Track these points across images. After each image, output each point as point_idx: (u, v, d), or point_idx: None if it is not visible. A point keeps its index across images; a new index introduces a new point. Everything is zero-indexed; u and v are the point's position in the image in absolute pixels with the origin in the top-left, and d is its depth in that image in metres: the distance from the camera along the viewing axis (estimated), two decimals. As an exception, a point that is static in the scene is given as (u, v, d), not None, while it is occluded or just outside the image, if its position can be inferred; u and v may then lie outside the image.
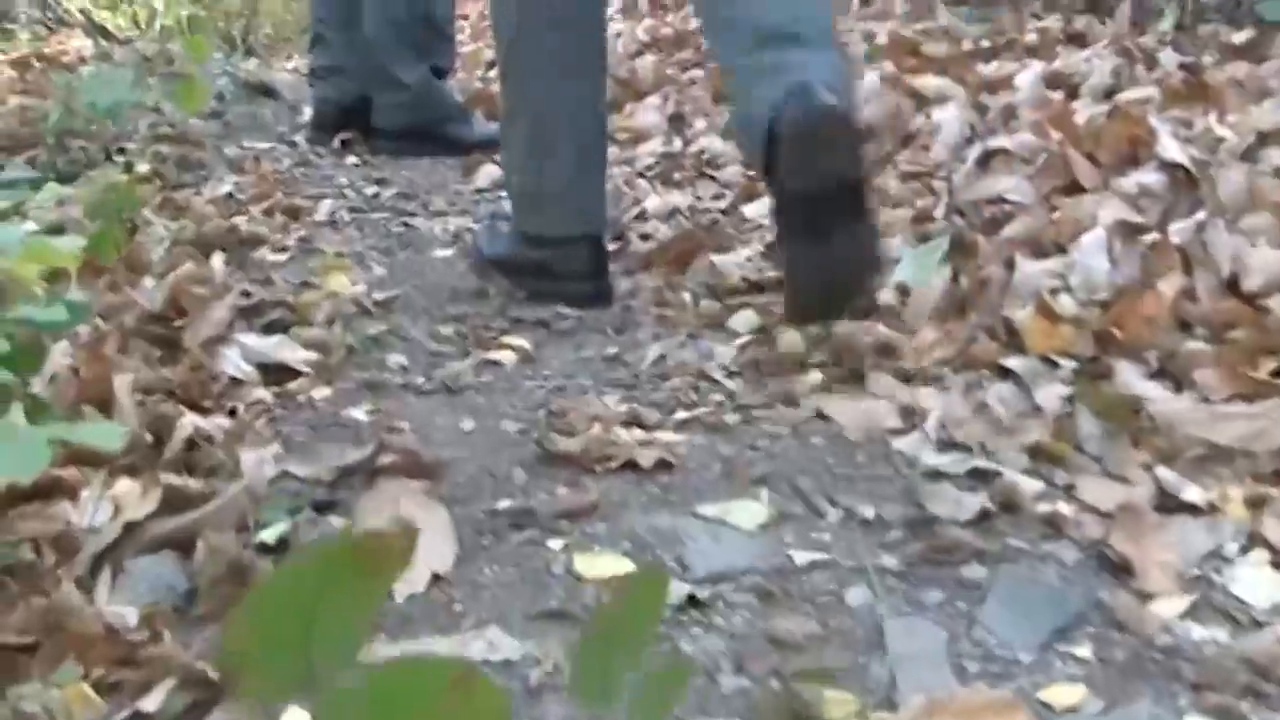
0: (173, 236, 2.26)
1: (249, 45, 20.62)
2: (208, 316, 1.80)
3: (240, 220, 2.55)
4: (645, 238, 2.53)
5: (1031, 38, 3.44)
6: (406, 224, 2.63)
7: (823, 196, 1.74)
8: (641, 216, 2.72)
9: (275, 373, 1.75)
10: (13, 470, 0.98)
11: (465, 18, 7.21)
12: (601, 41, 2.14)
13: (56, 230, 2.43)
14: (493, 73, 5.27)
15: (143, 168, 2.81)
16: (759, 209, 2.61)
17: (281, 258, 2.33)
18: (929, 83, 3.11)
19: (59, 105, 3.08)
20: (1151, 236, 1.99)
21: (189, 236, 2.31)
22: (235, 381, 1.70)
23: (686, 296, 2.14)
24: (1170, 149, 2.23)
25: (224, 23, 20.91)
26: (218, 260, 2.25)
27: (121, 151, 3.12)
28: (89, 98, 2.84)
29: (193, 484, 1.38)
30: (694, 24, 3.93)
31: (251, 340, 1.81)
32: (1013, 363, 1.73)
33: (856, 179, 1.77)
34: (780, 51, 1.78)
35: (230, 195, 2.78)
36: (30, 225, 2.55)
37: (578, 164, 2.08)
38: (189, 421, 1.52)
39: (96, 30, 4.87)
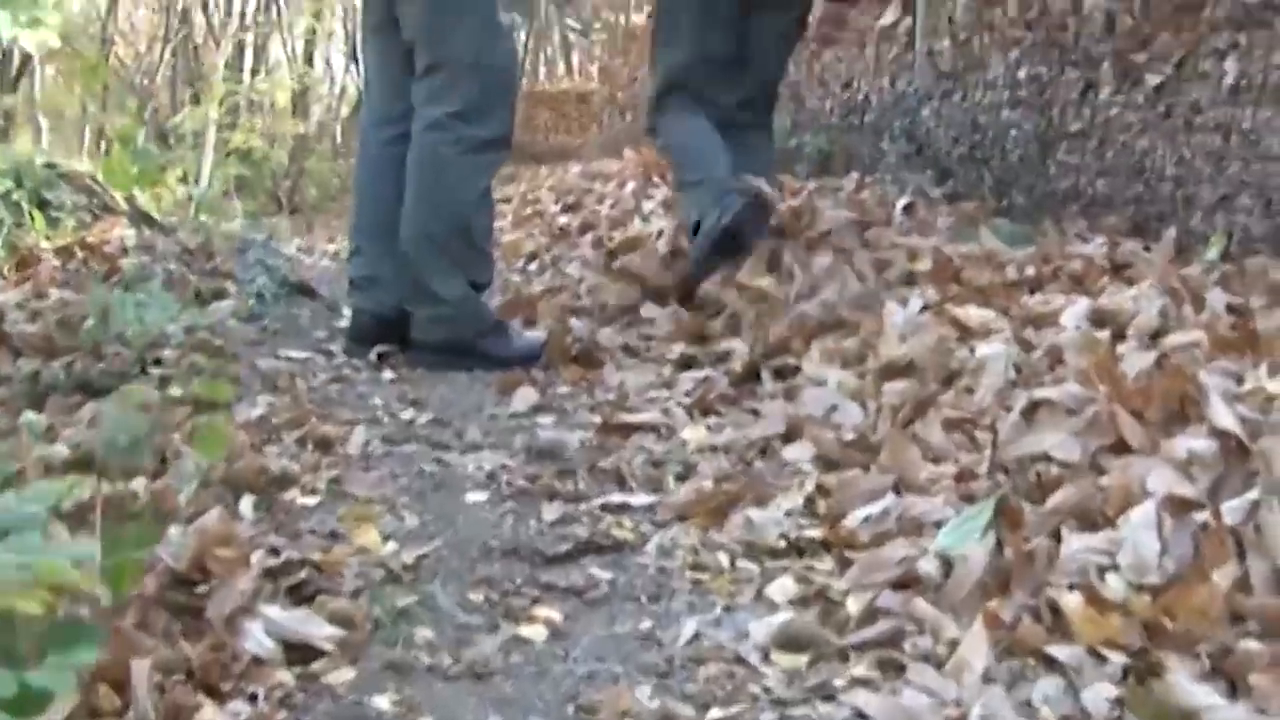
0: (202, 477, 2.22)
1: (294, 205, 20.79)
2: (233, 586, 1.76)
3: (272, 451, 2.53)
4: (682, 478, 2.50)
5: (1076, 265, 3.41)
6: (439, 459, 2.59)
7: None
8: (682, 447, 2.70)
9: (299, 650, 1.70)
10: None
11: (507, 201, 7.28)
12: None
13: (84, 464, 2.42)
14: (533, 266, 5.31)
15: (175, 390, 2.78)
16: (799, 451, 2.57)
17: (312, 501, 2.30)
18: (972, 314, 3.08)
19: (95, 317, 3.09)
20: (1203, 515, 1.93)
21: (219, 475, 2.27)
22: (257, 661, 1.65)
23: (723, 558, 2.09)
24: (1220, 414, 2.18)
25: (270, 183, 21.13)
26: (247, 504, 2.22)
27: (158, 362, 3.11)
28: (122, 319, 2.85)
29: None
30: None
31: (276, 613, 1.75)
32: (1059, 652, 1.67)
33: None
34: None
35: (264, 418, 2.75)
36: (61, 448, 2.55)
37: None
38: (209, 715, 1.47)
39: (140, 218, 4.92)
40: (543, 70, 21.96)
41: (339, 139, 20.27)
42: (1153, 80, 3.87)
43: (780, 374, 3.11)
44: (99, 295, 3.19)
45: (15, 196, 4.68)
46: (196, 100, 18.75)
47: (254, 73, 21.55)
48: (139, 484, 2.34)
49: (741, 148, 4.03)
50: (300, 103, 22.21)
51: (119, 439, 2.17)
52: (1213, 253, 3.50)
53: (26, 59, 9.73)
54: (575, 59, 21.71)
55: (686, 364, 3.35)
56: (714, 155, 3.99)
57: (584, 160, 9.87)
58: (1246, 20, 3.50)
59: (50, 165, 5.38)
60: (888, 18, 5.66)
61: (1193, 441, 2.16)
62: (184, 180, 17.18)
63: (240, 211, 14.86)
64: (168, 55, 19.27)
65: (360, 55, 3.81)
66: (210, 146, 17.26)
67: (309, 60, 23.44)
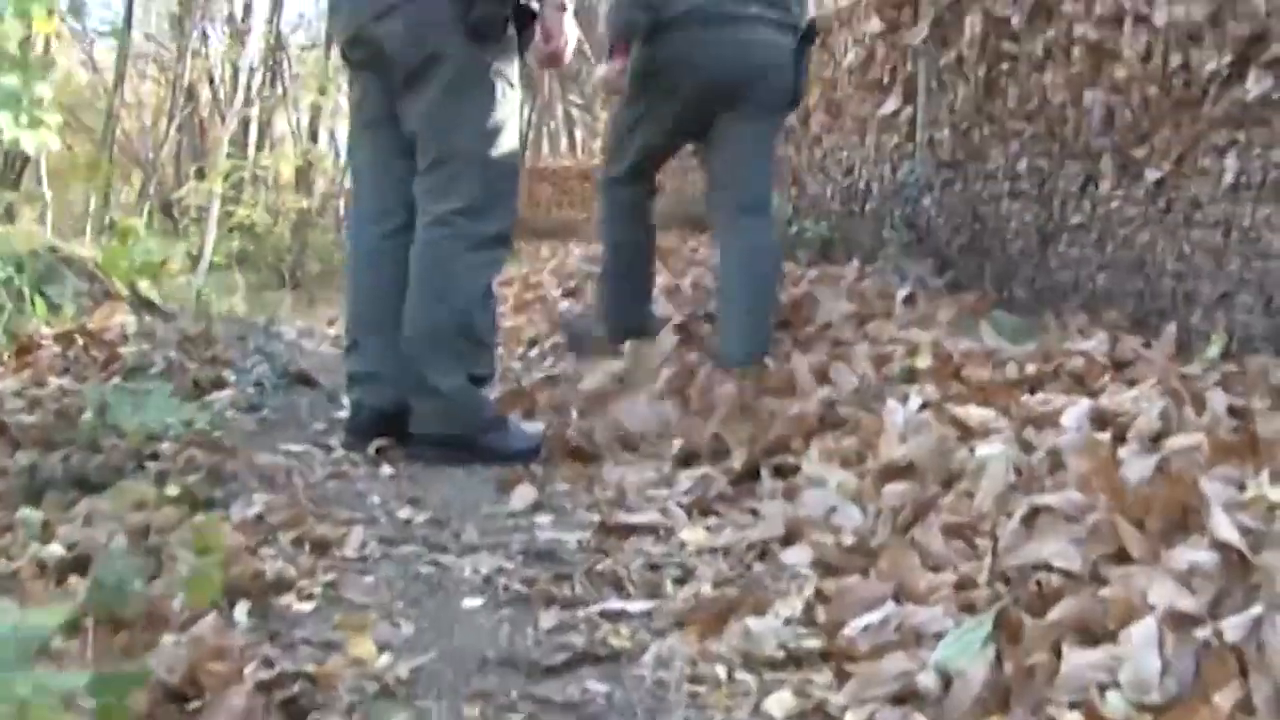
0: (195, 584, 2.21)
1: (297, 279, 20.84)
2: (227, 703, 1.74)
3: (268, 553, 2.51)
4: (680, 582, 2.48)
5: (1077, 363, 3.41)
6: (436, 561, 2.58)
7: None
8: (681, 549, 2.69)
9: (290, 775, 1.68)
10: None
11: (509, 284, 7.30)
12: None
13: (80, 565, 2.41)
14: (534, 352, 5.30)
15: (172, 489, 2.77)
16: (799, 555, 2.56)
17: (307, 607, 2.28)
18: (972, 413, 3.08)
19: (93, 412, 3.08)
20: (1205, 632, 1.92)
21: (213, 580, 2.26)
22: (247, 787, 1.63)
23: (720, 670, 2.07)
24: (1221, 525, 2.17)
25: (273, 257, 21.20)
26: (241, 611, 2.20)
27: (155, 457, 3.10)
28: (118, 416, 2.84)
29: None
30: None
31: (268, 735, 1.74)
32: (1060, 777, 1.65)
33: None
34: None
35: (260, 517, 2.74)
36: (55, 548, 2.54)
37: None
38: None
39: (141, 304, 4.92)
40: (545, 146, 22.11)
41: (342, 213, 20.34)
42: (1153, 175, 3.88)
43: (780, 472, 3.10)
44: (96, 392, 3.18)
45: (17, 282, 4.69)
46: (201, 175, 18.86)
47: (259, 147, 21.71)
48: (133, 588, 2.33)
49: (744, 244, 4.32)
50: (304, 177, 22.35)
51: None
52: (1213, 351, 3.50)
53: (27, 158, 9.79)
54: (579, 135, 21.88)
55: (686, 460, 3.35)
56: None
57: (586, 240, 9.91)
58: (1245, 117, 3.51)
59: (53, 249, 5.39)
60: (889, 106, 5.69)
61: (1194, 553, 2.14)
62: (187, 253, 17.30)
63: (242, 285, 14.91)
64: (173, 131, 19.41)
65: (351, 150, 3.78)
66: (214, 221, 17.33)
67: (313, 135, 23.61)
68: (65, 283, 5.06)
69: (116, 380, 3.91)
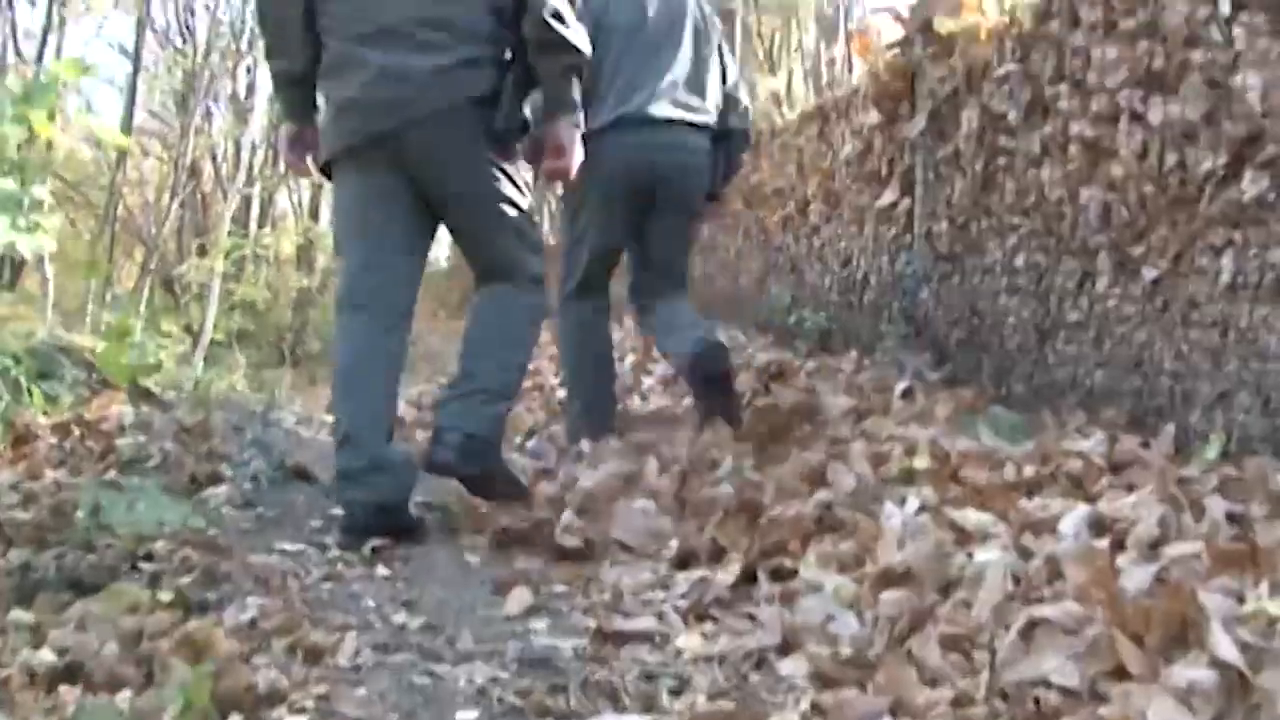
0: (187, 696, 2.19)
1: (297, 357, 20.82)
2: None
3: (261, 661, 2.49)
4: (676, 693, 2.46)
5: (1075, 465, 3.40)
6: (431, 671, 2.55)
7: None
8: (677, 657, 2.67)
9: None
10: None
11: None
12: None
13: (71, 673, 2.39)
14: (530, 444, 5.29)
15: (165, 594, 2.76)
16: (795, 665, 2.54)
17: (299, 720, 2.26)
18: (970, 517, 3.07)
19: (87, 512, 3.07)
20: (1205, 756, 1.90)
21: (205, 692, 2.24)
22: None
23: (716, 792, 2.05)
24: (1221, 643, 2.15)
25: (273, 335, 21.19)
26: (233, 728, 2.19)
27: (149, 557, 3.09)
28: (112, 516, 2.83)
29: None
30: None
31: None
32: None
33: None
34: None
35: (254, 622, 2.72)
36: (46, 654, 2.52)
37: None
38: None
39: (138, 395, 4.92)
40: (547, 224, 22.18)
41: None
42: (1150, 274, 3.88)
43: (777, 575, 3.08)
44: (90, 494, 3.17)
45: (14, 373, 4.69)
46: (203, 252, 18.94)
47: (260, 225, 21.81)
48: (124, 697, 2.32)
49: (666, 311, 4.98)
50: (305, 255, 22.43)
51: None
52: (1212, 452, 3.48)
53: (24, 261, 9.85)
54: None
55: (683, 561, 3.33)
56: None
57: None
58: (1241, 217, 3.52)
59: (51, 340, 5.40)
60: (886, 198, 5.71)
61: (1194, 671, 2.13)
62: (187, 330, 17.33)
63: (243, 363, 14.93)
64: (176, 207, 19.47)
65: (346, 249, 3.81)
66: (215, 298, 17.38)
67: (314, 213, 23.72)
68: (63, 372, 5.07)
69: (113, 473, 3.90)
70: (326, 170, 3.88)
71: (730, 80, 5.17)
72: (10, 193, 3.75)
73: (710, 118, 4.99)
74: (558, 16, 3.70)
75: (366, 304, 3.71)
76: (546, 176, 4.05)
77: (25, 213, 3.76)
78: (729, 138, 5.09)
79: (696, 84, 4.95)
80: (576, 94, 3.87)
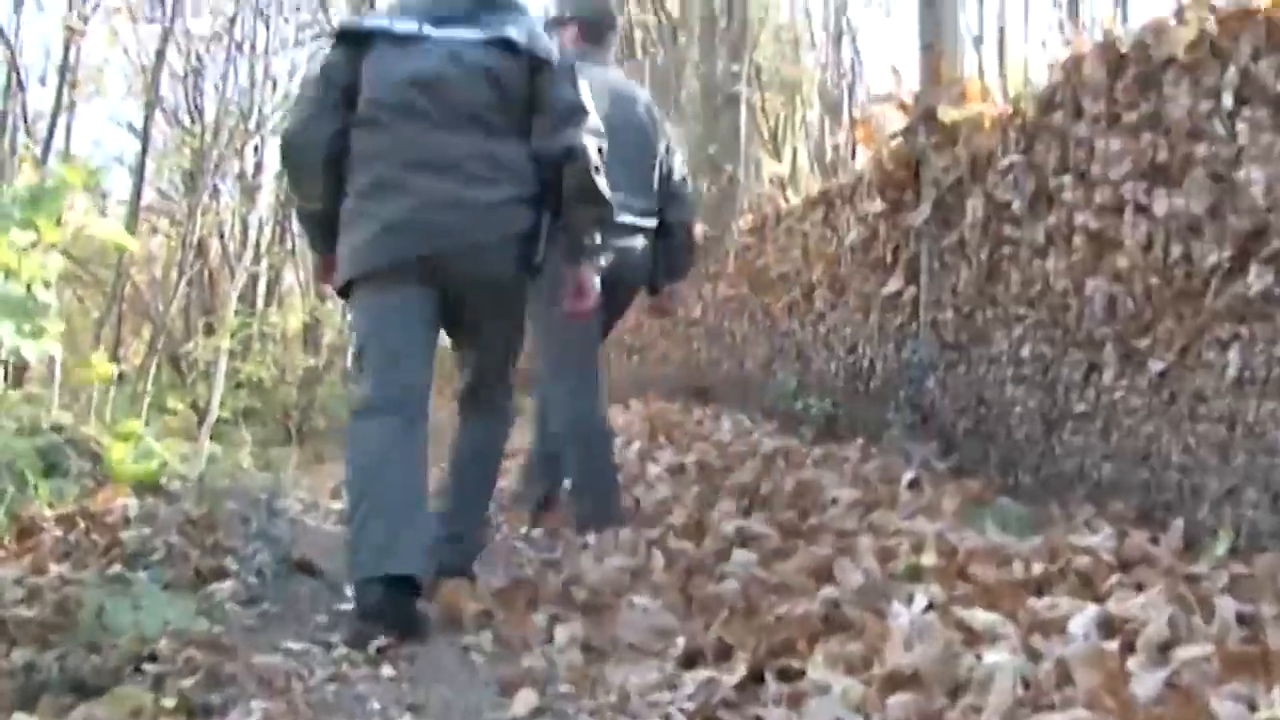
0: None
1: (303, 435, 20.73)
2: None
3: (264, 771, 2.48)
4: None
5: (1084, 561, 3.38)
6: (435, 782, 2.54)
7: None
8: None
9: None
10: None
11: (512, 456, 7.27)
12: None
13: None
14: (536, 531, 5.28)
15: (168, 700, 2.74)
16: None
17: (300, 840, 2.24)
18: (978, 617, 3.05)
19: (91, 615, 3.06)
20: None
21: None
22: None
23: None
24: (1234, 756, 2.14)
25: (280, 413, 21.10)
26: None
27: (153, 658, 3.07)
28: (115, 617, 2.83)
29: None
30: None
31: None
32: None
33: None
34: None
35: (256, 728, 2.70)
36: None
37: None
38: None
39: (144, 486, 4.91)
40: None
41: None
42: (1156, 366, 3.88)
43: (784, 676, 3.06)
44: (95, 591, 3.16)
45: (19, 465, 4.68)
46: (210, 330, 18.97)
47: (267, 303, 21.85)
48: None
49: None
50: (311, 334, 22.44)
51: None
52: (1221, 548, 3.47)
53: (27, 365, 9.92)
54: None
55: (690, 660, 3.31)
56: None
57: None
58: (1247, 311, 3.52)
59: (57, 429, 5.40)
60: (892, 286, 5.72)
61: (1206, 782, 2.11)
62: (194, 408, 17.32)
63: (249, 441, 14.90)
64: (183, 285, 19.49)
65: (372, 352, 3.90)
66: (221, 376, 17.39)
67: (320, 293, 23.72)
68: (68, 465, 5.07)
69: (117, 567, 3.88)
70: (345, 289, 4.05)
71: (677, 176, 5.54)
72: (17, 300, 3.77)
73: (649, 215, 5.34)
74: (599, 170, 4.02)
75: (400, 403, 3.86)
76: (569, 315, 4.35)
77: (30, 318, 3.78)
78: (669, 233, 5.47)
79: (642, 185, 5.28)
80: (599, 240, 4.23)
